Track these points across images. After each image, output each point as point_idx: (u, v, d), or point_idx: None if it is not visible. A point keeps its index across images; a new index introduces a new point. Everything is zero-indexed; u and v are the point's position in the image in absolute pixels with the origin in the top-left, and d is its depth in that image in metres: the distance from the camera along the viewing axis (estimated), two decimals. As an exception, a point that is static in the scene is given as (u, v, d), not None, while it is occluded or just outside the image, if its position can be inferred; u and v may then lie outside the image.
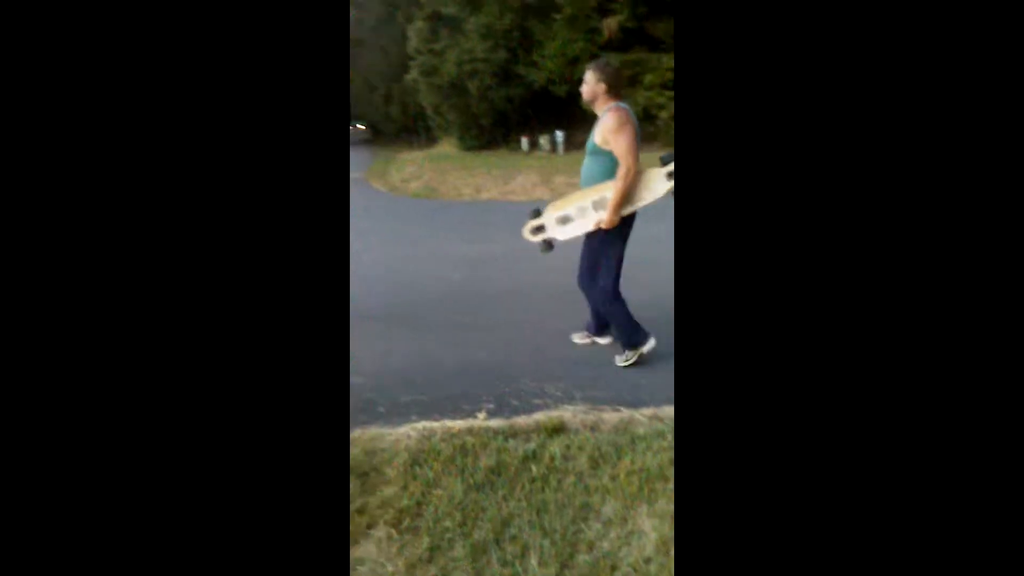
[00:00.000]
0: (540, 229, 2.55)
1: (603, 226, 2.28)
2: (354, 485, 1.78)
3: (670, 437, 1.80)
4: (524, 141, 13.76)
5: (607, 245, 2.36)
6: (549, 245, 2.54)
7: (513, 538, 1.40)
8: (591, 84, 2.29)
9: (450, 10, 14.41)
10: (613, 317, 2.46)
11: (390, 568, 1.37)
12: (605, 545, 1.37)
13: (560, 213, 2.45)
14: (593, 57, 11.30)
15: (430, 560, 1.38)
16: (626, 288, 2.46)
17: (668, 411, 2.02)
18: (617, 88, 2.29)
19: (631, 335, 2.45)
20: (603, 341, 2.71)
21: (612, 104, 2.28)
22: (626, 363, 2.46)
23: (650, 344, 2.46)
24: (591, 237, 2.42)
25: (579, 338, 2.78)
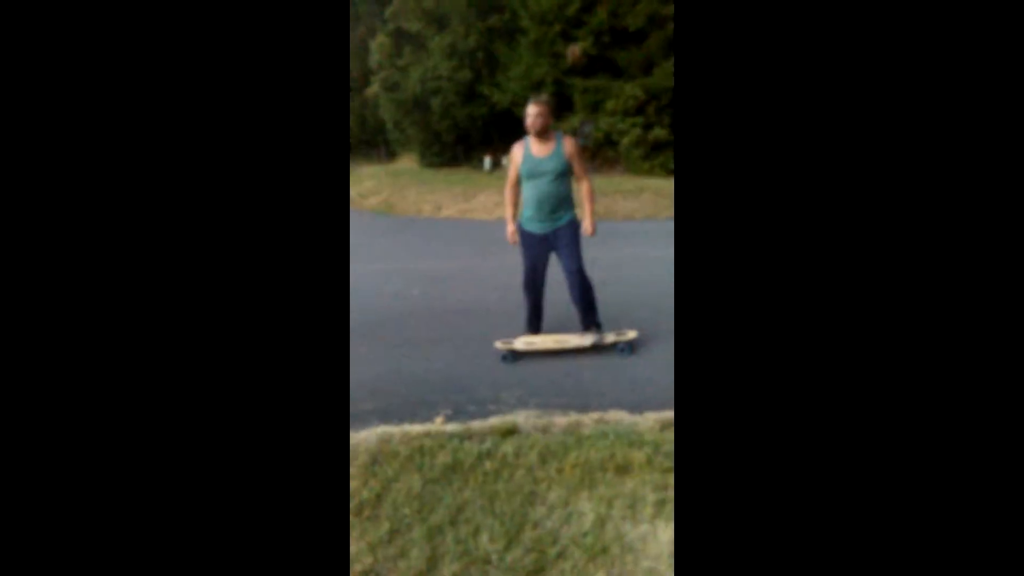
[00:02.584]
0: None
1: (588, 233, 2.76)
2: (316, 482, 1.88)
3: (612, 437, 1.99)
4: (487, 160, 13.62)
5: (578, 245, 2.77)
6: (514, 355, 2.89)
7: (467, 520, 1.55)
8: (544, 115, 2.58)
9: (415, 27, 14.57)
10: (589, 291, 2.83)
11: (352, 549, 1.48)
12: (548, 524, 1.54)
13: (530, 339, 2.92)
14: (556, 82, 11.71)
15: (390, 541, 1.51)
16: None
17: (614, 415, 2.21)
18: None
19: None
20: (582, 340, 2.87)
21: (557, 132, 2.72)
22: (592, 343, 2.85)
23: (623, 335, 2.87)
24: (570, 248, 2.75)
25: (522, 343, 2.92)
